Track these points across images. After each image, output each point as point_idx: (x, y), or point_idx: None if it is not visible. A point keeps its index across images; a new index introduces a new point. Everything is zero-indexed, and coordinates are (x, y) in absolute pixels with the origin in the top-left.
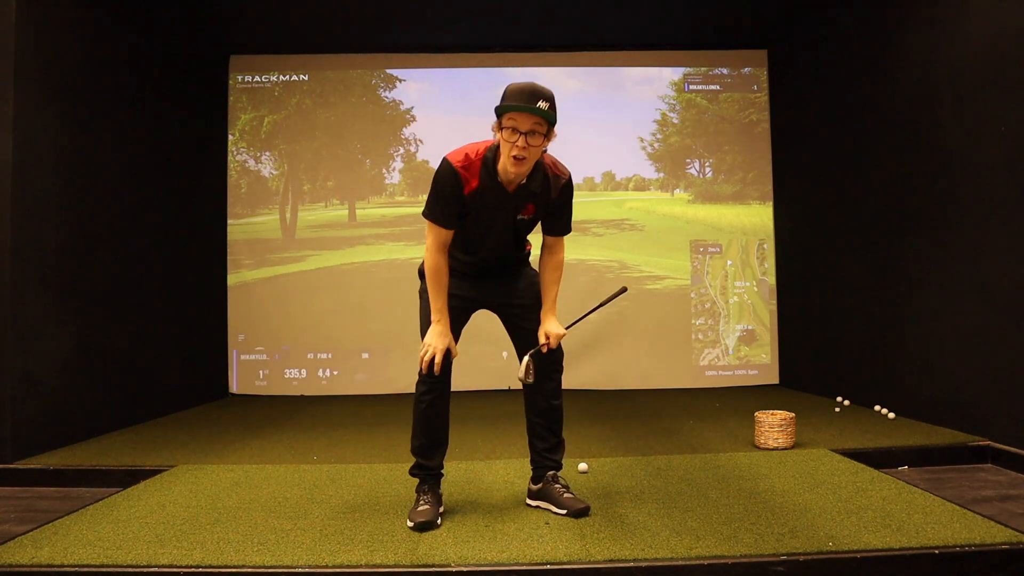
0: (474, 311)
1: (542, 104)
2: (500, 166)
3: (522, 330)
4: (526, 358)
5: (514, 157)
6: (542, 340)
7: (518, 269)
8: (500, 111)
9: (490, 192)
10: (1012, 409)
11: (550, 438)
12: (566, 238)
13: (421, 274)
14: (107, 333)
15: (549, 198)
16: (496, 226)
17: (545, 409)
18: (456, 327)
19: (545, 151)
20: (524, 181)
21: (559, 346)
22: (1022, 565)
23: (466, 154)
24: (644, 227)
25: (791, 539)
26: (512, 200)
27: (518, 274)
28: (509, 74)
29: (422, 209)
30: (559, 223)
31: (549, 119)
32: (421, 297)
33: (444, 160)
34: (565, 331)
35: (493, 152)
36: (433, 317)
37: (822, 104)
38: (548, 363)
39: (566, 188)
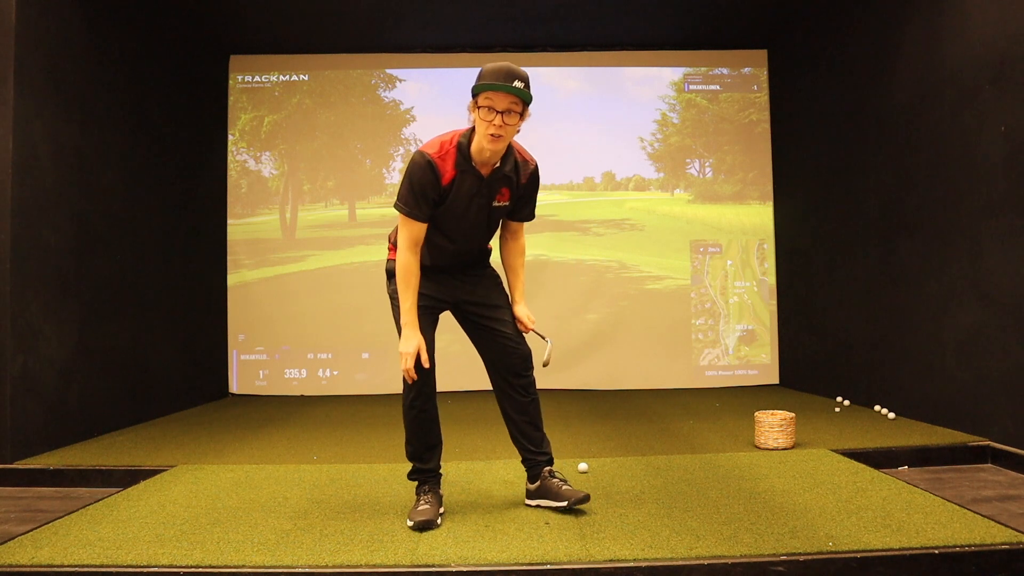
0: (442, 312)
1: (518, 83)
2: (475, 148)
3: (487, 330)
4: (549, 345)
5: (490, 135)
6: (527, 323)
7: (482, 268)
8: (476, 90)
9: (465, 178)
10: (1012, 409)
11: (534, 433)
12: (566, 238)
13: (391, 274)
14: (107, 333)
15: (519, 183)
16: (471, 213)
17: (526, 404)
18: (428, 330)
19: (519, 131)
20: (498, 164)
21: (527, 346)
22: (1022, 565)
23: (441, 143)
24: (644, 227)
25: (791, 539)
26: (487, 185)
27: (482, 273)
28: None
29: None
30: (526, 209)
31: (525, 98)
32: (393, 299)
33: (419, 153)
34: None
35: (467, 138)
36: (403, 319)
37: (822, 104)
38: (520, 360)
39: (534, 175)
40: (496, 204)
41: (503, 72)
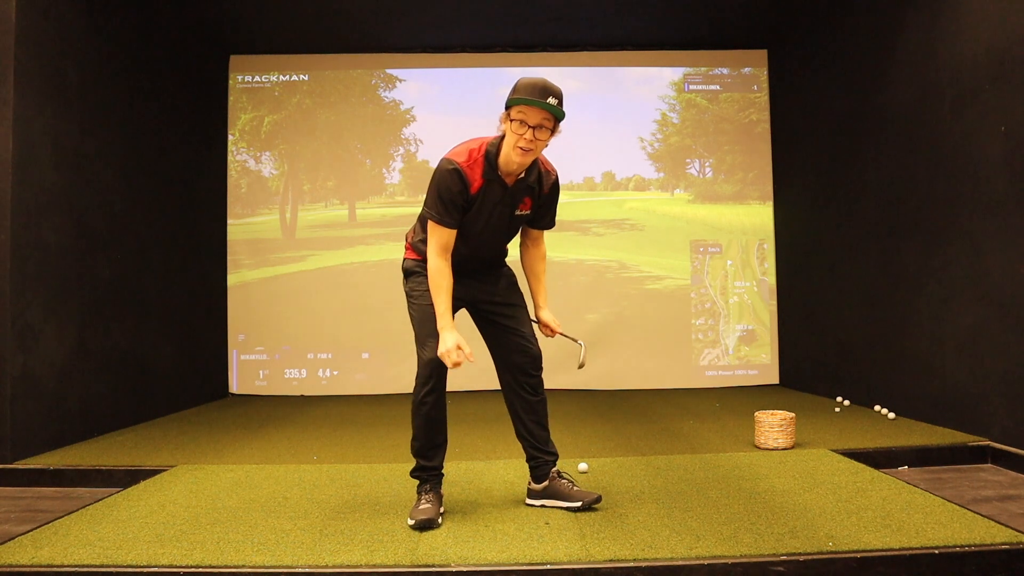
0: (457, 311)
1: (552, 100)
2: (503, 159)
3: (503, 328)
4: (583, 348)
5: (520, 148)
6: (554, 327)
7: (499, 269)
8: (510, 103)
9: (491, 187)
10: (1012, 409)
11: (541, 432)
12: (566, 238)
13: (407, 273)
14: (107, 333)
15: (541, 192)
16: (494, 221)
17: (535, 403)
18: None
19: (547, 146)
20: (523, 175)
21: (538, 347)
22: (1022, 565)
23: (469, 152)
24: (644, 227)
25: (791, 539)
26: (511, 194)
27: (499, 274)
28: (509, 74)
29: (422, 210)
30: (546, 218)
31: (558, 115)
32: (410, 298)
33: (447, 160)
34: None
35: (495, 147)
36: (439, 323)
37: (822, 104)
38: (532, 359)
39: (555, 185)
40: (518, 213)
41: (539, 87)
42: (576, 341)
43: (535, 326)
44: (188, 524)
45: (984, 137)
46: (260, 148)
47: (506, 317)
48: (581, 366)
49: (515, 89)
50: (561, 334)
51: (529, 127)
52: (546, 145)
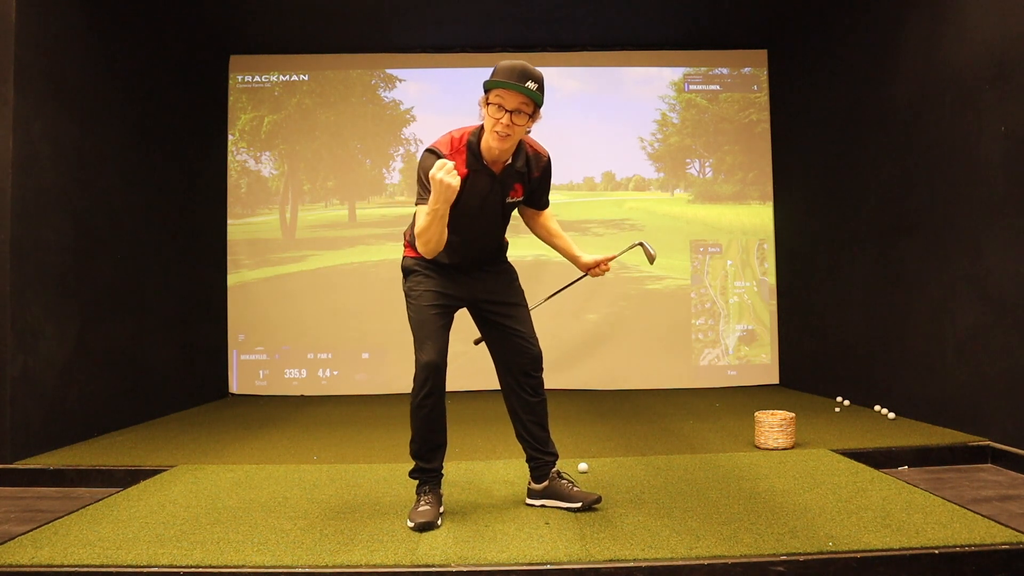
0: (457, 310)
1: (530, 84)
2: (484, 146)
3: (502, 327)
4: (645, 245)
5: (496, 133)
6: (602, 261)
7: (498, 264)
8: (488, 86)
9: (477, 176)
10: (1012, 409)
11: (541, 433)
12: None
13: (406, 272)
14: (107, 333)
15: (532, 176)
16: (486, 210)
17: (534, 404)
18: (444, 331)
19: (528, 132)
20: (509, 161)
21: (539, 347)
22: (1022, 565)
23: (451, 140)
24: (644, 227)
25: (791, 539)
26: (500, 182)
27: (498, 270)
28: None
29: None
30: (542, 198)
31: (536, 100)
32: (408, 298)
33: (429, 150)
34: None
35: (477, 135)
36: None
37: (822, 104)
38: (531, 360)
39: (547, 166)
40: (510, 200)
41: (517, 71)
42: (633, 246)
43: (587, 277)
44: (188, 524)
45: (984, 137)
46: (260, 148)
47: (506, 317)
48: (652, 259)
49: (493, 72)
50: (617, 257)
51: (506, 111)
52: (525, 131)
